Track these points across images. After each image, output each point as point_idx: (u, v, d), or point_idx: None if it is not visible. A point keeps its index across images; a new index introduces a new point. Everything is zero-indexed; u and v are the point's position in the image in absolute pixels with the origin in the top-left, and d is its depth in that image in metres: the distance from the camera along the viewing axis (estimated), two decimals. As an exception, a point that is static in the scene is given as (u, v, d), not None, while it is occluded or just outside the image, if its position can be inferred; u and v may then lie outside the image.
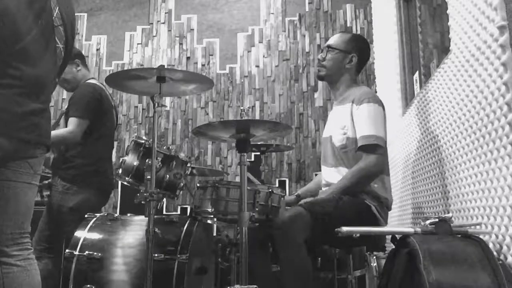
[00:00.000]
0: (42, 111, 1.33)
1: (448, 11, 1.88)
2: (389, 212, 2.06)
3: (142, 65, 4.18)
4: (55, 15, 1.36)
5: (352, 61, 2.13)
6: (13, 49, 1.24)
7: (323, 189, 2.14)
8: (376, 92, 3.50)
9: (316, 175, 3.78)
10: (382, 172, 1.99)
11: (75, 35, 1.55)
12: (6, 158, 1.24)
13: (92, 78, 2.74)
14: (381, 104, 2.02)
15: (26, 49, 1.27)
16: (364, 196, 1.95)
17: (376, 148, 1.93)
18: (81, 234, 2.15)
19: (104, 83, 2.12)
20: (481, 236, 1.35)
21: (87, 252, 2.06)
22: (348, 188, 1.93)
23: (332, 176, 2.09)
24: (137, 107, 4.16)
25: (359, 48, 2.16)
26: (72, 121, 2.42)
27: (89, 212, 2.31)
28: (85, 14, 4.30)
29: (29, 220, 1.35)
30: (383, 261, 2.29)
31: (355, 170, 1.94)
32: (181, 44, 4.24)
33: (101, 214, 2.30)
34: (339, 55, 2.14)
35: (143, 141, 2.20)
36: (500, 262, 1.26)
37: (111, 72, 2.82)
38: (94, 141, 2.53)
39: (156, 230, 1.83)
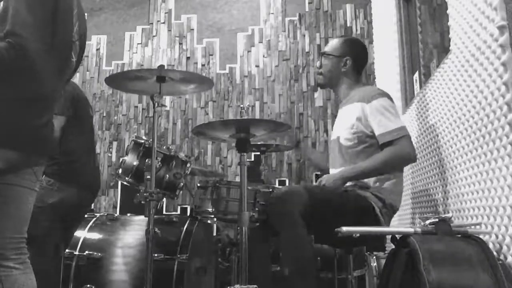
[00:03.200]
0: (49, 122, 1.36)
1: (448, 11, 1.88)
2: (394, 214, 2.04)
3: (142, 65, 4.17)
4: (75, 30, 1.39)
5: (347, 64, 2.15)
6: (23, 65, 1.24)
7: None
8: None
9: (316, 175, 3.78)
10: (415, 158, 1.94)
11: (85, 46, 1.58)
12: (13, 168, 1.25)
13: None
14: (389, 97, 2.03)
15: (37, 67, 1.27)
16: (368, 194, 1.94)
17: (401, 139, 1.91)
18: (81, 234, 2.15)
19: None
20: (481, 236, 1.35)
21: (87, 252, 2.06)
22: (376, 169, 1.91)
23: None
24: (137, 107, 4.16)
25: (352, 50, 2.18)
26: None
27: (71, 210, 2.29)
28: (85, 14, 4.30)
29: (27, 225, 1.36)
30: (383, 261, 2.29)
31: (385, 154, 1.90)
32: (181, 44, 4.24)
33: (101, 214, 2.30)
34: (333, 60, 2.16)
35: (143, 141, 2.20)
36: (500, 262, 1.26)
37: (111, 72, 2.83)
38: (75, 137, 2.49)
39: (156, 230, 1.83)
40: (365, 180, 1.97)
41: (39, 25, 1.25)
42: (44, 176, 2.41)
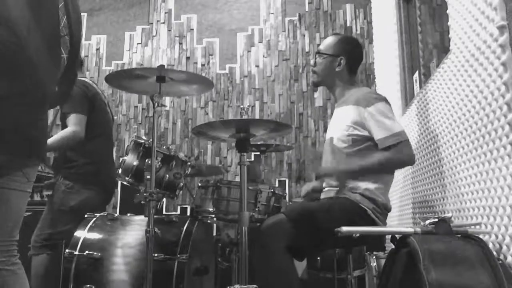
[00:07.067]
0: (37, 121, 1.30)
1: (448, 11, 1.88)
2: (388, 212, 2.04)
3: (142, 64, 4.18)
4: (62, 24, 1.34)
5: (341, 64, 2.13)
6: (12, 61, 1.20)
7: (326, 189, 2.12)
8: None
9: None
10: (414, 161, 1.95)
11: (81, 41, 1.52)
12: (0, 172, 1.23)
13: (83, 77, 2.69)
14: (387, 101, 2.02)
15: (26, 62, 1.23)
16: (358, 198, 1.93)
17: (401, 143, 1.91)
18: (81, 234, 2.15)
19: (89, 80, 2.09)
20: (481, 236, 1.35)
21: (87, 252, 2.06)
22: (372, 168, 1.92)
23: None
24: (137, 107, 4.16)
25: (347, 50, 2.16)
26: (72, 119, 2.38)
27: (91, 211, 2.31)
28: (85, 14, 4.30)
29: (18, 228, 1.32)
30: (383, 261, 2.29)
31: (385, 155, 1.90)
32: (181, 44, 4.24)
33: (101, 214, 2.29)
34: (327, 59, 2.15)
35: (142, 141, 2.20)
36: (500, 262, 1.26)
37: (111, 72, 2.82)
38: (93, 139, 2.50)
39: (156, 230, 1.83)
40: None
41: (13, 19, 1.17)
42: (62, 179, 2.44)
